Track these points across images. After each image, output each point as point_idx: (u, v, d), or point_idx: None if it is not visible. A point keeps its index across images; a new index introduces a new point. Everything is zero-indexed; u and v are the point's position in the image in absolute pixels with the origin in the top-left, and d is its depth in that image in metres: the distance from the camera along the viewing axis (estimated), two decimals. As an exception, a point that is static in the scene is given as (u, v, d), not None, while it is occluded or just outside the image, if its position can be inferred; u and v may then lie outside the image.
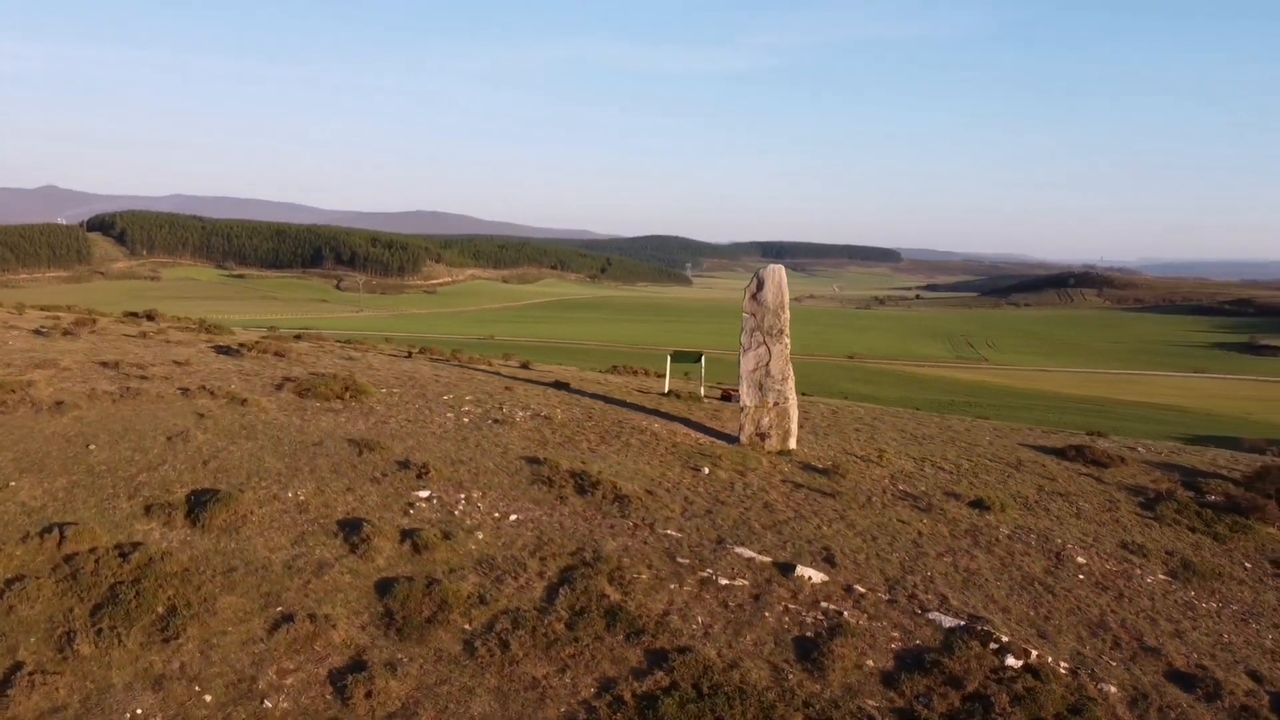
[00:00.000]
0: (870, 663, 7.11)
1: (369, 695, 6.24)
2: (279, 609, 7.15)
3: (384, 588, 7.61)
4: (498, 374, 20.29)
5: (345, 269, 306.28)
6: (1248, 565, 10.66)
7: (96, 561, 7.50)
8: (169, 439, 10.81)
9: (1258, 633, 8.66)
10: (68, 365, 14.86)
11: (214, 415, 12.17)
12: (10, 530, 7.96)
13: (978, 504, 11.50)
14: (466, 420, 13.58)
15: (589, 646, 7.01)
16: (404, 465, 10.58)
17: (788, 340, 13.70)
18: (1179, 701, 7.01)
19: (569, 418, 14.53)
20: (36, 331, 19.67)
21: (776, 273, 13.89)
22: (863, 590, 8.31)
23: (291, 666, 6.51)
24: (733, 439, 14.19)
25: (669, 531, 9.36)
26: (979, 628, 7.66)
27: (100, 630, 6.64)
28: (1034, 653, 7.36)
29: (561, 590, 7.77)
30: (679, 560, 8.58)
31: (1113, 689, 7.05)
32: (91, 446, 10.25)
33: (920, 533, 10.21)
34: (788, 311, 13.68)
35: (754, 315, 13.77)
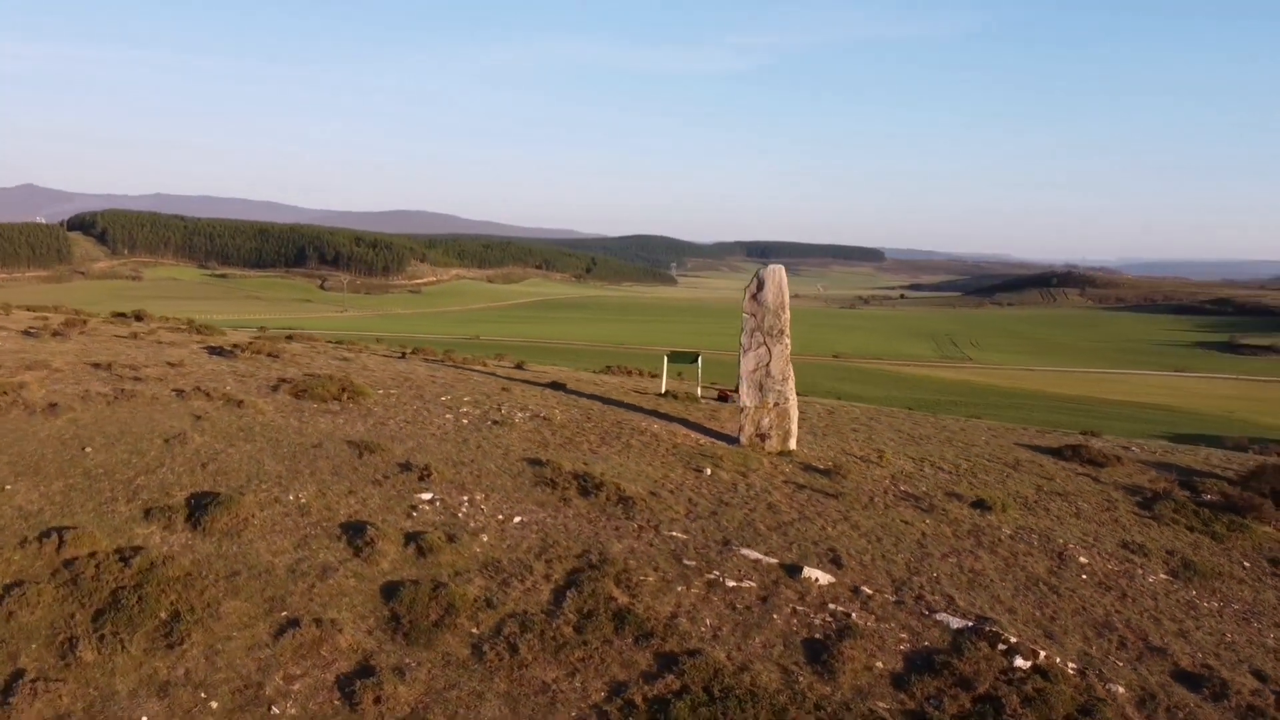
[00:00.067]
0: (880, 664, 7.09)
1: (378, 701, 6.17)
2: (284, 614, 7.06)
3: (389, 591, 7.53)
4: (493, 375, 20.20)
5: (329, 269, 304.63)
6: (1246, 564, 10.73)
7: (97, 566, 7.39)
8: (166, 441, 10.68)
9: (1259, 632, 8.71)
10: (59, 367, 14.68)
11: (210, 417, 12.04)
12: (8, 535, 7.84)
13: (979, 504, 11.53)
14: (465, 421, 13.50)
15: (598, 650, 6.96)
16: (405, 467, 10.49)
17: (788, 341, 13.70)
18: (1186, 701, 7.02)
19: (568, 419, 14.47)
20: (25, 332, 19.44)
21: (777, 273, 13.88)
22: (870, 592, 8.30)
23: (298, 672, 6.43)
24: (732, 439, 14.17)
25: (674, 533, 9.32)
26: (987, 629, 7.66)
27: (103, 636, 6.55)
28: (1042, 653, 7.37)
29: (568, 593, 7.71)
30: (685, 562, 8.55)
31: (1121, 689, 7.06)
32: (87, 449, 10.12)
33: (924, 533, 10.22)
34: (788, 312, 13.68)
35: (754, 316, 13.76)
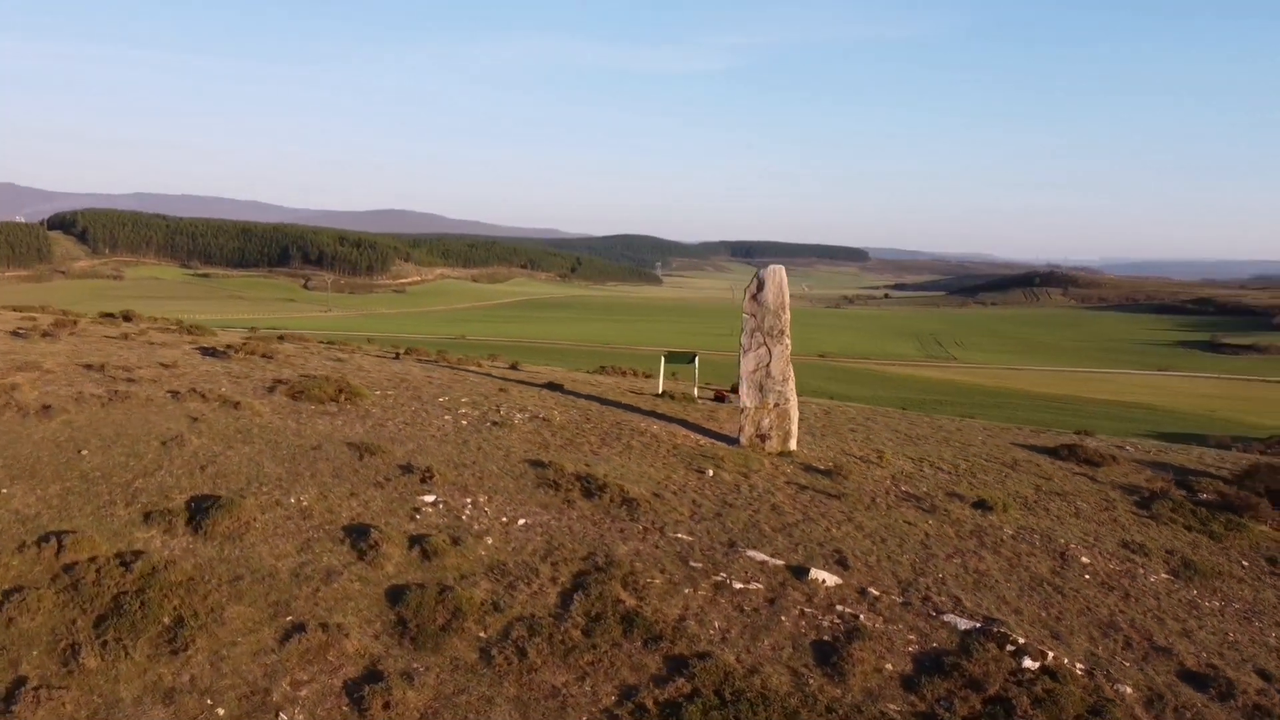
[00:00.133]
0: (889, 666, 7.08)
1: (387, 706, 6.10)
2: (289, 618, 6.98)
3: (395, 595, 7.46)
4: (489, 375, 20.11)
5: (313, 268, 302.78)
6: (1245, 564, 10.80)
7: (98, 571, 7.28)
8: (163, 444, 10.55)
9: (1262, 631, 8.76)
10: (51, 368, 14.49)
11: (207, 419, 11.91)
12: (5, 539, 7.71)
13: (980, 504, 11.55)
14: (465, 423, 13.41)
15: (607, 653, 6.92)
16: (407, 469, 10.41)
17: (788, 341, 13.68)
18: (1193, 701, 7.05)
19: (567, 420, 14.41)
20: (14, 333, 19.19)
21: (777, 273, 13.87)
22: (877, 593, 8.29)
23: (305, 678, 6.35)
24: (731, 440, 14.15)
25: (679, 535, 9.29)
26: (994, 629, 7.66)
27: (106, 642, 6.44)
28: (1050, 654, 7.38)
29: (576, 596, 7.66)
30: (692, 564, 8.51)
31: (1128, 690, 7.08)
32: (83, 452, 9.98)
33: (927, 534, 10.23)
34: (788, 312, 13.67)
35: (754, 316, 13.74)
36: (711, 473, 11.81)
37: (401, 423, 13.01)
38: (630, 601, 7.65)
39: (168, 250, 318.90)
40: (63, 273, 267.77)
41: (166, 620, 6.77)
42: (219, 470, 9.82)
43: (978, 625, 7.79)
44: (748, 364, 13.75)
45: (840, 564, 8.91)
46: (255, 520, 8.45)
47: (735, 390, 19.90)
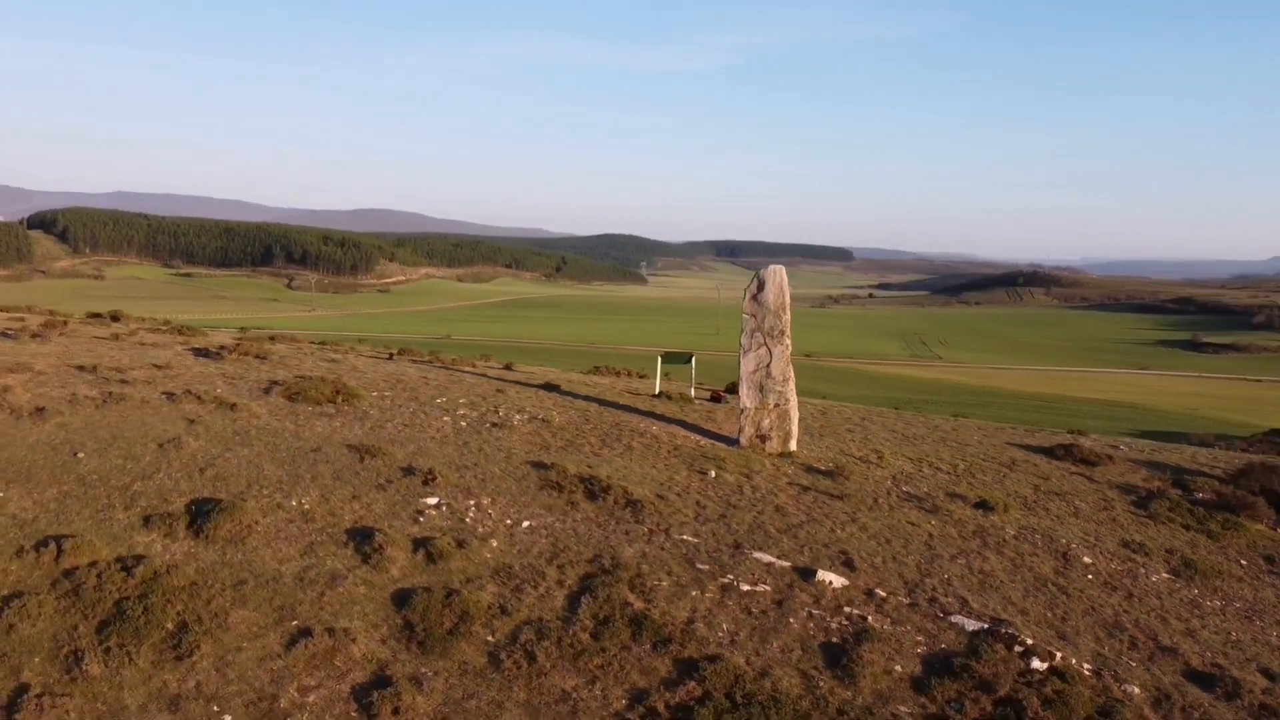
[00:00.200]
0: (899, 668, 7.07)
1: (396, 712, 6.04)
2: (294, 623, 6.90)
3: (401, 599, 7.39)
4: (484, 376, 20.00)
5: (296, 268, 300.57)
6: (1243, 562, 10.87)
7: (98, 576, 7.18)
8: (160, 446, 10.42)
9: (1263, 630, 8.81)
10: (43, 369, 14.31)
11: (204, 421, 11.78)
12: (3, 544, 7.59)
13: (981, 505, 11.58)
14: (464, 424, 13.33)
15: (617, 657, 6.87)
16: (408, 471, 10.32)
17: (789, 342, 13.67)
18: (1201, 701, 7.07)
19: (566, 421, 14.35)
20: (3, 334, 18.95)
21: (778, 274, 13.85)
22: (883, 594, 8.28)
23: (313, 683, 6.28)
24: (731, 441, 14.13)
25: (685, 537, 9.25)
26: (1002, 630, 7.66)
27: (109, 649, 6.35)
28: (1058, 655, 7.38)
29: (583, 599, 7.61)
30: (699, 566, 8.47)
31: (1136, 690, 7.09)
32: (80, 454, 9.84)
33: (931, 534, 10.23)
34: (789, 313, 13.66)
35: (754, 316, 13.72)
36: (714, 474, 11.78)
37: (400, 424, 12.91)
38: (638, 604, 7.61)
39: (149, 250, 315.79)
40: (43, 272, 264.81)
41: (170, 626, 6.68)
42: (218, 473, 9.71)
43: (985, 626, 7.79)
44: (748, 364, 13.72)
45: (846, 565, 8.90)
46: (257, 523, 8.36)
47: (730, 390, 19.90)
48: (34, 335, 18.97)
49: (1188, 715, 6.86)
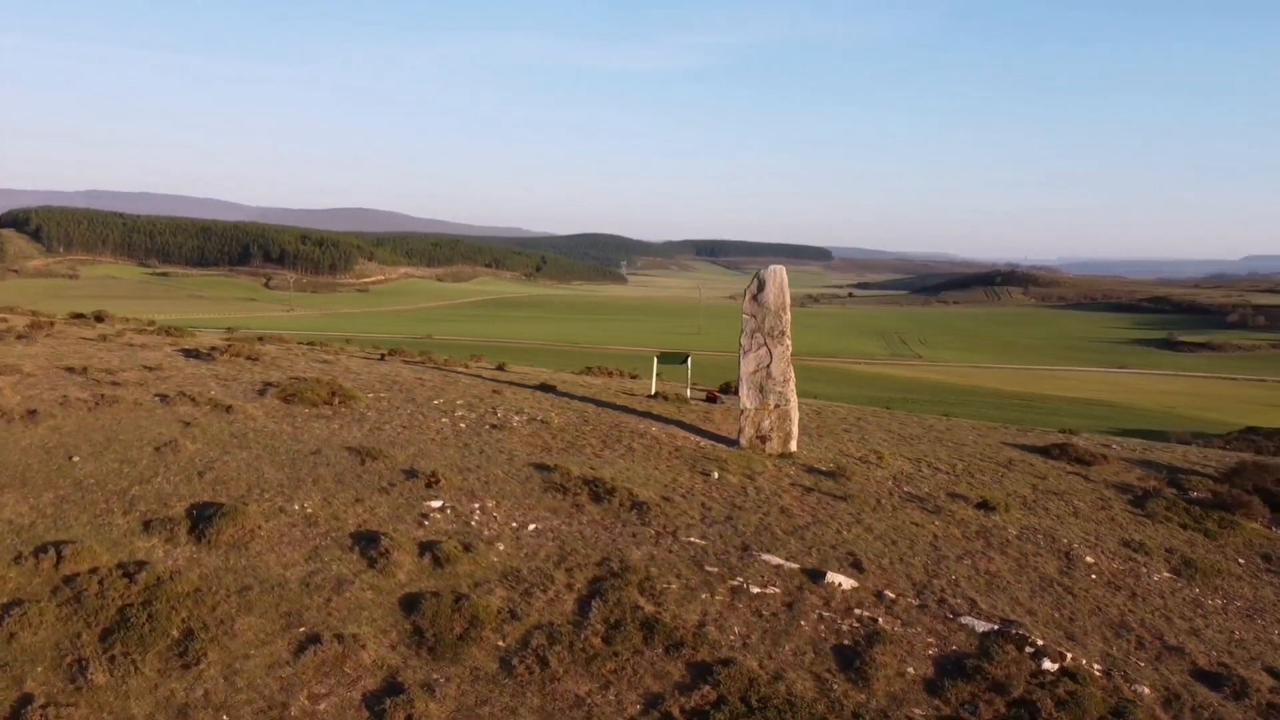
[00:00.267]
0: (911, 670, 7.06)
1: (409, 719, 5.96)
2: (302, 629, 6.80)
3: (410, 604, 7.30)
4: (479, 377, 19.88)
5: (274, 267, 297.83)
6: (1241, 561, 10.96)
7: (100, 583, 7.04)
8: (157, 449, 10.26)
9: (1265, 629, 8.87)
10: (31, 371, 14.07)
11: (200, 423, 11.61)
12: (0, 550, 7.43)
13: (983, 505, 11.61)
14: (463, 425, 13.22)
15: (629, 661, 6.81)
16: (411, 474, 10.22)
17: (789, 342, 13.65)
18: (1209, 701, 7.10)
19: (566, 422, 14.27)
20: (-12, 334, 18.63)
21: (778, 274, 13.83)
22: (893, 596, 8.27)
23: (323, 691, 6.18)
24: (730, 441, 14.10)
25: (692, 539, 9.20)
26: (1012, 631, 7.67)
27: (113, 657, 6.22)
28: (1068, 655, 7.40)
29: (593, 603, 7.55)
30: (707, 569, 8.43)
31: (1146, 690, 7.11)
32: (75, 458, 9.67)
33: (935, 535, 10.24)
34: (789, 313, 13.64)
35: (754, 317, 13.69)
36: (716, 475, 11.74)
37: (399, 426, 12.79)
38: (649, 608, 7.56)
39: (125, 249, 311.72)
40: (15, 271, 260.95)
41: (175, 633, 6.56)
42: (217, 476, 9.57)
43: (995, 627, 7.80)
44: (748, 365, 13.69)
45: (855, 566, 8.89)
46: (260, 528, 8.24)
47: (725, 390, 19.88)
48: (20, 336, 18.67)
49: (1198, 715, 6.88)
